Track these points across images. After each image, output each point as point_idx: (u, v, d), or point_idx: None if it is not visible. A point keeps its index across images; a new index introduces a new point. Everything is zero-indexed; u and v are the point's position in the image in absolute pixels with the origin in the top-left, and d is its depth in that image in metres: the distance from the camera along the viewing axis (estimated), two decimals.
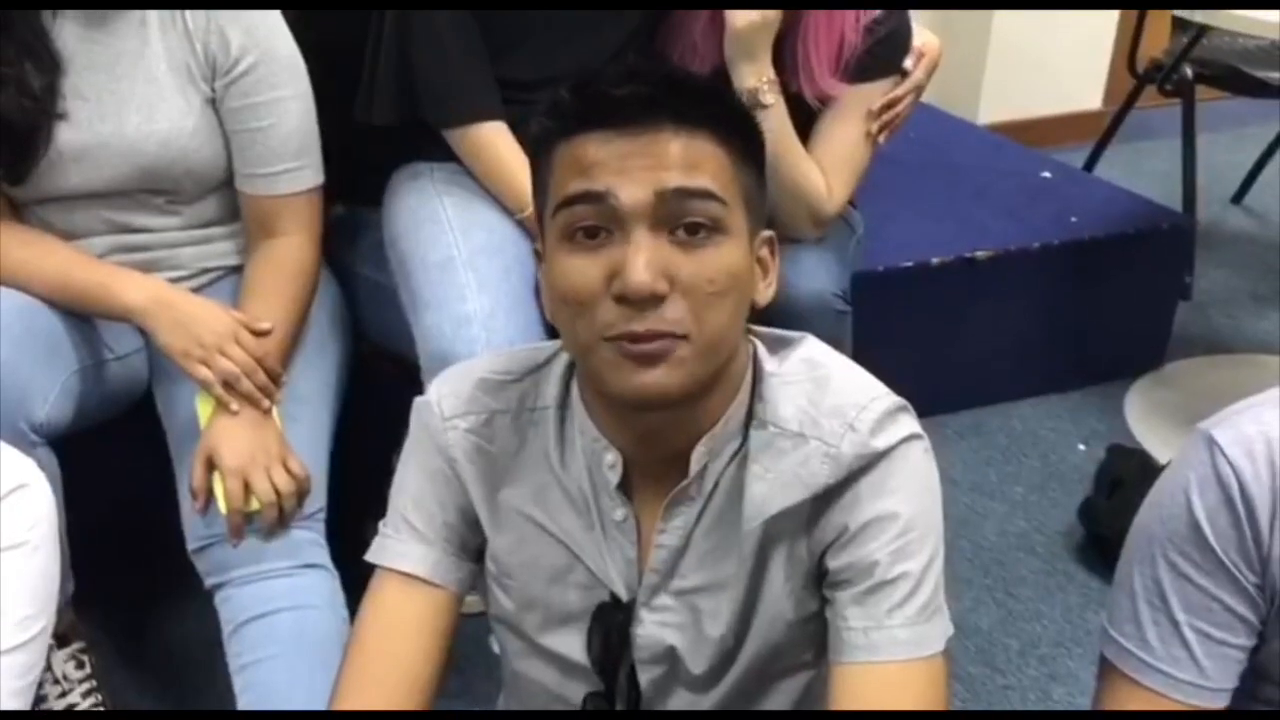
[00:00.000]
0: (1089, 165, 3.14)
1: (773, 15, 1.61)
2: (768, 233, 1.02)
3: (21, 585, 1.19)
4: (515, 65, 1.61)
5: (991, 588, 2.01)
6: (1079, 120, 3.66)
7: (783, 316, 1.63)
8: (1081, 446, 2.36)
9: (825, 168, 1.72)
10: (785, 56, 1.68)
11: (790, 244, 1.75)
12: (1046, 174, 2.73)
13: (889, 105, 1.74)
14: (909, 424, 1.00)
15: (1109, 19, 3.64)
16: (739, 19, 1.60)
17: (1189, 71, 2.87)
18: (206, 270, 1.61)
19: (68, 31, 1.47)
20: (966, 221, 2.47)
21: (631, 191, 0.90)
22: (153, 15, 1.48)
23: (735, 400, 1.00)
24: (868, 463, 0.97)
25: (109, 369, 1.54)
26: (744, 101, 1.61)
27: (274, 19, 1.53)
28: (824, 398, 0.99)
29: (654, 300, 0.90)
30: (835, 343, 1.55)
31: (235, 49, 1.49)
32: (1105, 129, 3.16)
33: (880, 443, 0.97)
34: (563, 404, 1.05)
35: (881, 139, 1.77)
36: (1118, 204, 2.63)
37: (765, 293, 1.01)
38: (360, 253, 1.78)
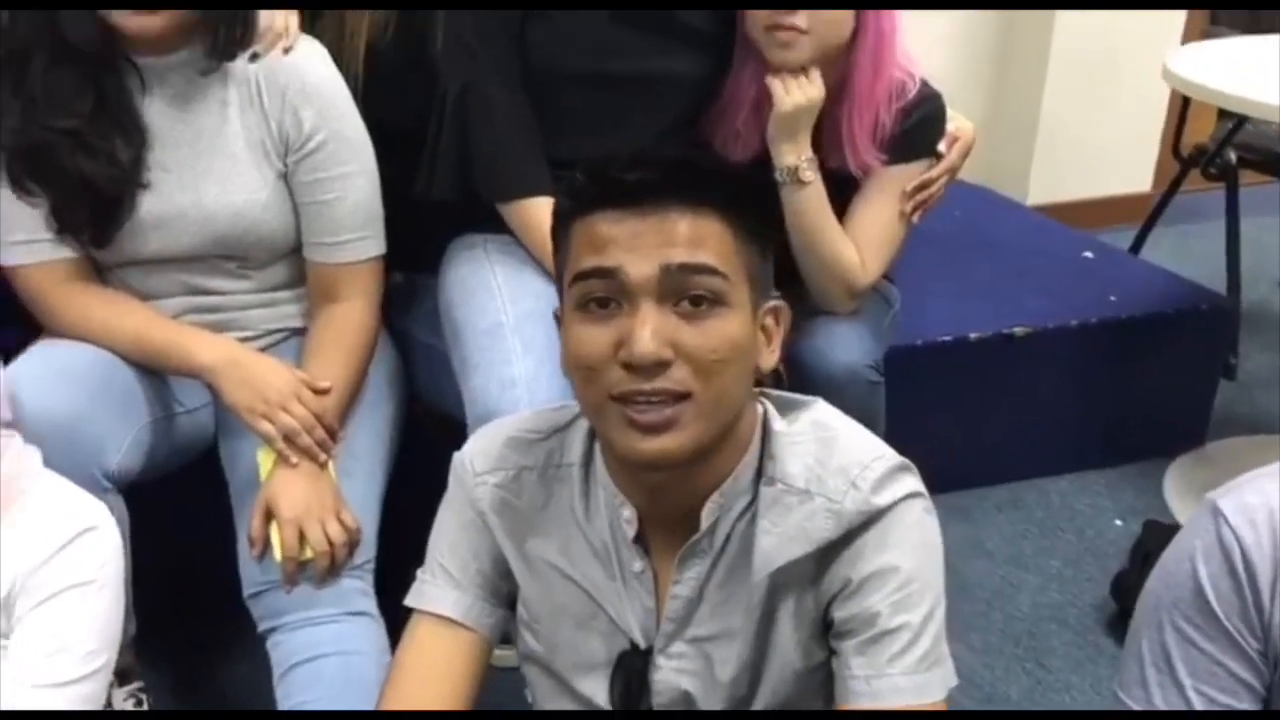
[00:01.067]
0: (1135, 247, 3.18)
1: (817, 97, 1.70)
2: (773, 303, 1.10)
3: (88, 622, 1.28)
4: (566, 146, 1.71)
5: (1022, 658, 2.03)
6: (1128, 203, 3.70)
7: (816, 385, 1.71)
8: (1118, 522, 2.39)
9: (860, 243, 1.79)
10: (823, 134, 1.76)
11: (825, 315, 1.83)
12: (1088, 254, 2.78)
13: (923, 186, 1.82)
14: (911, 483, 1.07)
15: (1159, 103, 3.69)
16: (786, 102, 1.69)
17: (1232, 156, 2.93)
18: (272, 331, 1.72)
19: (155, 108, 1.59)
20: (1006, 298, 2.52)
21: (639, 267, 1.00)
22: (233, 95, 1.60)
23: (744, 458, 1.08)
24: (869, 518, 1.04)
25: (178, 422, 1.65)
26: (784, 179, 1.72)
27: (344, 100, 1.64)
28: (830, 456, 1.06)
29: (659, 367, 0.98)
30: (868, 412, 1.62)
31: (308, 127, 1.60)
32: (1150, 212, 3.20)
33: (881, 500, 1.04)
34: (586, 461, 1.13)
35: (915, 218, 1.84)
36: (1158, 284, 2.68)
37: (769, 359, 1.09)
38: (416, 318, 1.87)
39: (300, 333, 1.72)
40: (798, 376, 1.79)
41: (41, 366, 1.51)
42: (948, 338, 2.38)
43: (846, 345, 1.79)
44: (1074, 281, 2.64)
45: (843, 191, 1.80)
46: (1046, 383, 2.48)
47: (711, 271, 1.01)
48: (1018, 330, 2.41)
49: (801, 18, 1.66)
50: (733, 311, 1.02)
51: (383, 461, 1.69)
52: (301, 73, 1.61)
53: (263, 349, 1.68)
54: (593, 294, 1.02)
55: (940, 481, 2.25)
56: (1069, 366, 2.49)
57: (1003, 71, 3.73)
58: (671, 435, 1.00)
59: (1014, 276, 2.64)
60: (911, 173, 1.79)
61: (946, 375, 2.38)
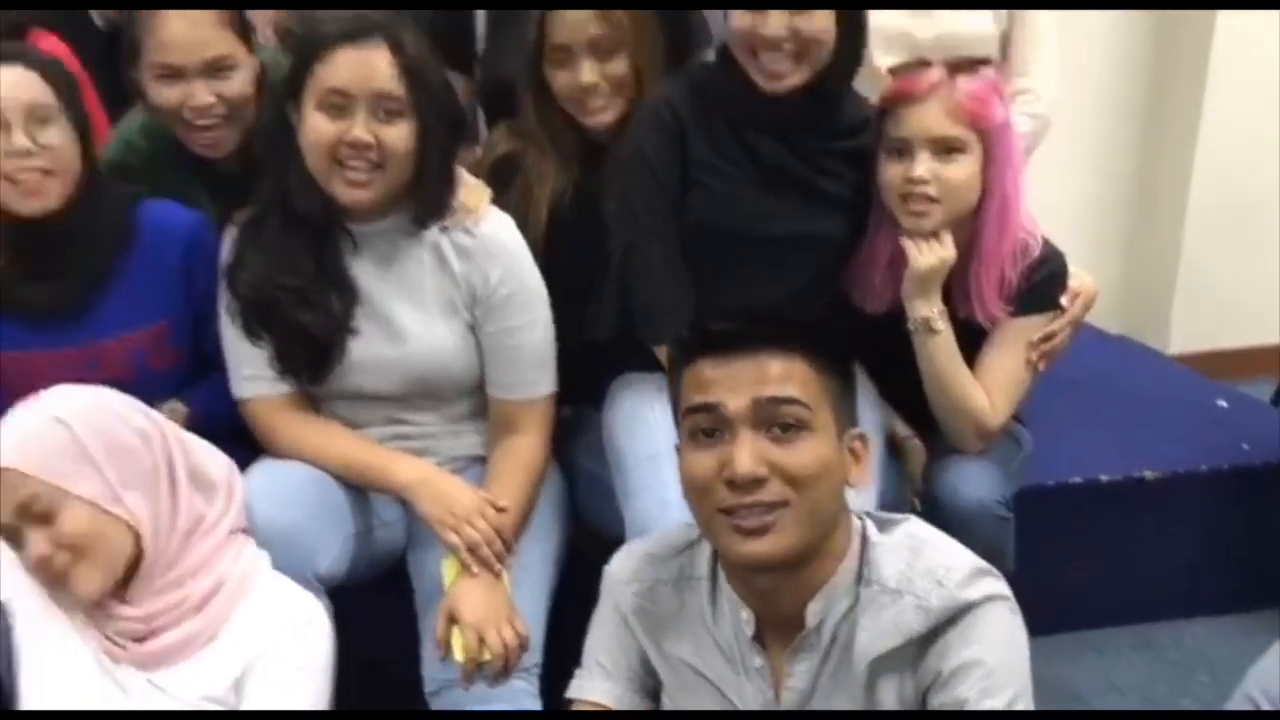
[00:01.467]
0: (1277, 398, 3.21)
1: (949, 258, 1.88)
2: (858, 430, 1.30)
3: (309, 700, 1.50)
4: (717, 296, 1.92)
5: None
6: (1270, 354, 3.72)
7: (948, 518, 1.86)
8: None
9: (988, 388, 1.94)
10: (953, 288, 1.93)
11: (958, 454, 1.97)
12: (1222, 403, 2.86)
13: (1047, 337, 1.97)
14: (993, 585, 1.23)
15: None
16: (920, 263, 1.88)
17: None
18: (457, 458, 1.95)
19: (363, 267, 1.86)
20: (1138, 443, 2.62)
21: (736, 402, 1.22)
22: (427, 257, 1.85)
23: (843, 564, 1.26)
24: (954, 614, 1.20)
25: (376, 535, 1.88)
26: (917, 329, 1.89)
27: (526, 260, 1.89)
28: (919, 560, 1.24)
29: (757, 483, 1.19)
30: (996, 546, 1.78)
31: (494, 283, 1.85)
32: None
33: (965, 596, 1.21)
34: (713, 573, 1.34)
35: (1041, 366, 1.99)
36: None
37: (860, 476, 1.28)
38: (582, 448, 2.09)
39: (481, 460, 1.95)
40: (931, 509, 1.94)
41: (266, 483, 1.75)
42: (1079, 480, 2.48)
43: (976, 482, 1.93)
44: (1207, 429, 2.72)
45: (972, 340, 1.96)
46: (1178, 526, 2.55)
47: (797, 403, 1.22)
48: (1148, 474, 2.50)
49: (933, 187, 1.85)
50: (818, 435, 1.23)
51: (549, 576, 1.89)
52: (488, 239, 1.86)
53: (450, 473, 1.91)
54: (699, 426, 1.24)
55: (1072, 619, 2.38)
56: (1200, 511, 2.56)
57: (1142, 221, 3.82)
58: (771, 539, 1.20)
59: (1146, 422, 2.73)
60: (1035, 324, 1.95)
61: (1078, 516, 2.48)
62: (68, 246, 1.81)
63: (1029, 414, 2.12)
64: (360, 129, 1.73)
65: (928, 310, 1.91)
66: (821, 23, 1.86)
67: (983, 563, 1.26)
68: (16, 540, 1.44)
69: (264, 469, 1.80)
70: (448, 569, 1.78)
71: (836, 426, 1.26)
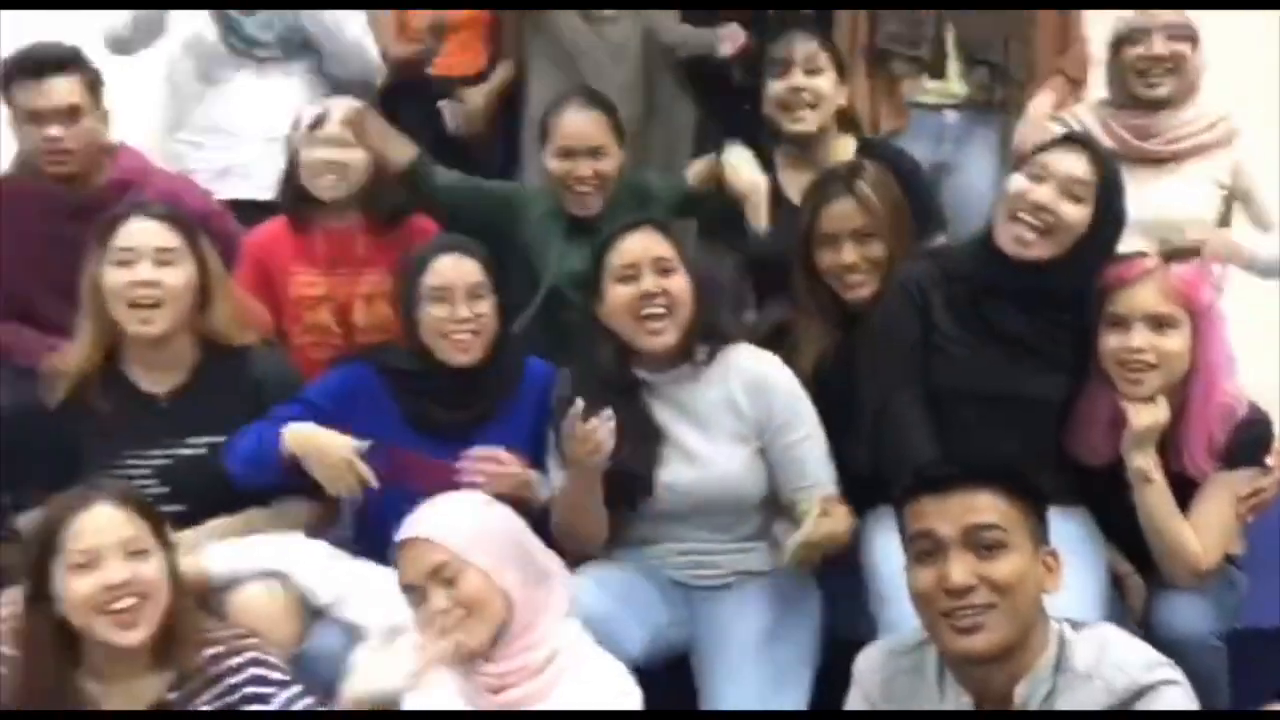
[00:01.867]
0: None
1: (1164, 419, 2.19)
2: (1049, 548, 1.67)
3: None
4: (954, 446, 2.27)
5: None
6: None
7: (1161, 647, 2.12)
8: None
9: (1199, 534, 2.21)
10: (1166, 444, 2.22)
11: (1173, 590, 2.24)
12: None
13: (1255, 492, 2.23)
14: (1169, 672, 1.56)
15: None
16: (1138, 424, 2.17)
17: None
18: (739, 573, 2.34)
19: (663, 411, 2.31)
20: None
21: (948, 530, 1.61)
22: (715, 394, 2.29)
23: (1043, 657, 1.61)
24: (1136, 694, 1.53)
25: (671, 630, 2.29)
26: (1135, 479, 2.18)
27: (797, 387, 2.31)
28: (1106, 654, 1.59)
29: (968, 590, 1.57)
30: (1210, 676, 2.07)
31: (777, 412, 2.28)
32: None
33: (1144, 680, 1.54)
34: (939, 666, 1.70)
35: (1249, 518, 2.25)
36: None
37: (1053, 583, 1.65)
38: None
39: (759, 575, 2.33)
40: (1149, 640, 2.20)
41: (590, 576, 2.21)
42: None
43: (1189, 615, 2.19)
44: None
45: (1186, 490, 2.24)
46: None
47: (996, 527, 1.61)
48: None
49: (1150, 355, 2.17)
50: (1016, 551, 1.60)
51: (808, 675, 2.24)
52: (764, 377, 2.31)
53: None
54: (920, 549, 1.63)
55: None
56: None
57: None
58: (982, 636, 1.58)
59: None
60: (1242, 478, 2.22)
61: None
62: (477, 387, 2.36)
63: (1246, 559, 2.36)
64: (649, 284, 2.24)
65: (1144, 463, 2.19)
66: (1076, 216, 2.23)
67: (1161, 656, 1.59)
68: (419, 597, 1.91)
69: (587, 566, 2.25)
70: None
71: (1032, 544, 1.64)
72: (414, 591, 1.92)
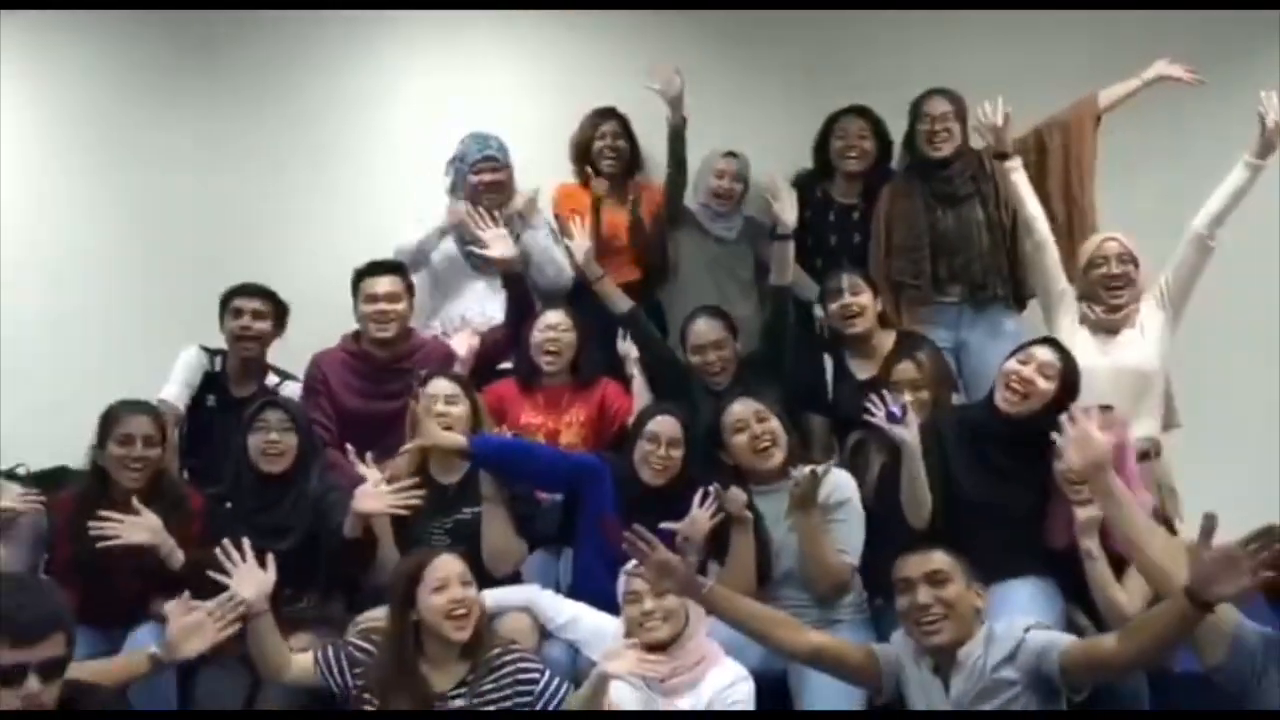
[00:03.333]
0: None
1: (1099, 517, 3.31)
2: (977, 585, 2.93)
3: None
4: (959, 536, 3.46)
5: None
6: None
7: None
8: None
9: (1127, 594, 3.33)
10: (1105, 532, 3.36)
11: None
12: None
13: None
14: (1034, 631, 2.76)
15: None
16: (1083, 515, 3.33)
17: None
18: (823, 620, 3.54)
19: (767, 511, 3.55)
20: None
21: (917, 573, 2.90)
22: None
23: (976, 638, 2.86)
24: (1017, 643, 2.77)
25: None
26: (1087, 556, 3.34)
27: (854, 492, 3.56)
28: (1007, 631, 2.88)
29: (927, 608, 2.89)
30: (1134, 691, 3.31)
31: (833, 502, 3.51)
32: None
33: (1019, 634, 2.77)
34: (918, 650, 2.93)
35: None
36: None
37: (981, 602, 2.97)
38: None
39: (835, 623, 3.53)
40: None
41: None
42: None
43: None
44: None
45: (1120, 563, 3.39)
46: None
47: (944, 571, 2.82)
48: None
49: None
50: (955, 583, 2.82)
51: None
52: (837, 485, 3.54)
53: None
54: (901, 588, 2.88)
55: None
56: None
57: None
58: (942, 635, 2.79)
59: None
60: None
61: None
62: (662, 497, 3.59)
63: None
64: (757, 429, 3.55)
65: (1090, 544, 3.34)
66: (1046, 388, 3.47)
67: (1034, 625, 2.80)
68: (633, 606, 3.15)
69: None
70: None
71: (965, 581, 2.83)
72: (635, 602, 3.15)
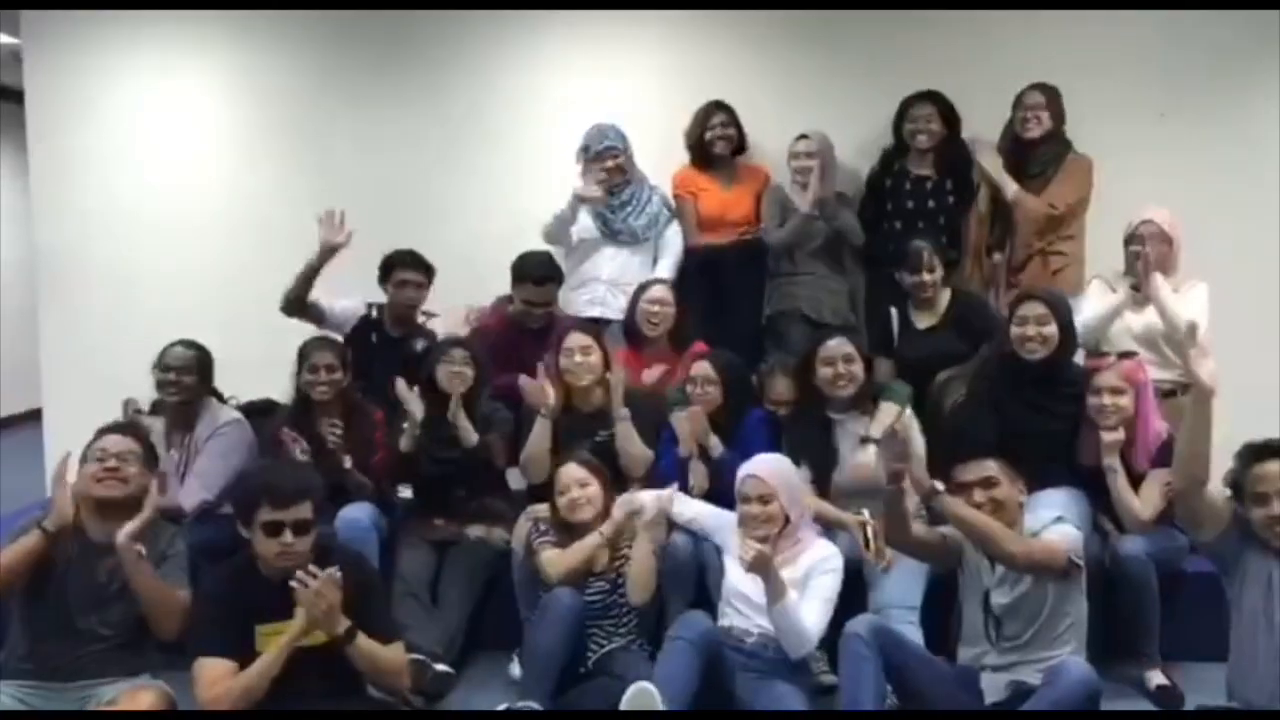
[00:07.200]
0: None
1: (1122, 439, 4.18)
2: (1020, 485, 3.81)
3: (822, 592, 3.97)
4: (1006, 455, 4.29)
5: None
6: None
7: (1117, 563, 4.21)
8: None
9: (1142, 504, 4.14)
10: (1125, 454, 4.19)
11: (1127, 534, 4.19)
12: None
13: (1168, 481, 4.16)
14: (1061, 522, 3.63)
15: None
16: (1108, 440, 4.19)
17: None
18: None
19: (842, 436, 4.41)
20: None
21: (972, 476, 3.74)
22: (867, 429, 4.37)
23: (1019, 523, 3.69)
24: (1044, 525, 3.61)
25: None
26: (1109, 470, 4.17)
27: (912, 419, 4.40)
28: (1038, 517, 3.76)
29: (979, 506, 3.76)
30: (1142, 577, 4.31)
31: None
32: None
33: (1048, 520, 3.63)
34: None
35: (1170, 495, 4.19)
36: None
37: (1024, 496, 3.78)
38: None
39: None
40: (1112, 559, 4.17)
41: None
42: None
43: (1132, 547, 4.13)
44: None
45: (1136, 479, 4.20)
46: None
47: (995, 476, 3.66)
48: None
49: (1113, 407, 4.17)
50: (1002, 486, 3.66)
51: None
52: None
53: None
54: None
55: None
56: None
57: None
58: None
59: None
60: (1164, 474, 4.14)
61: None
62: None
63: None
64: (841, 368, 4.45)
65: (1113, 463, 4.17)
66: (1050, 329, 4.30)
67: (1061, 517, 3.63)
68: (748, 506, 4.03)
69: None
70: None
71: (1010, 482, 3.62)
72: (747, 502, 4.02)
